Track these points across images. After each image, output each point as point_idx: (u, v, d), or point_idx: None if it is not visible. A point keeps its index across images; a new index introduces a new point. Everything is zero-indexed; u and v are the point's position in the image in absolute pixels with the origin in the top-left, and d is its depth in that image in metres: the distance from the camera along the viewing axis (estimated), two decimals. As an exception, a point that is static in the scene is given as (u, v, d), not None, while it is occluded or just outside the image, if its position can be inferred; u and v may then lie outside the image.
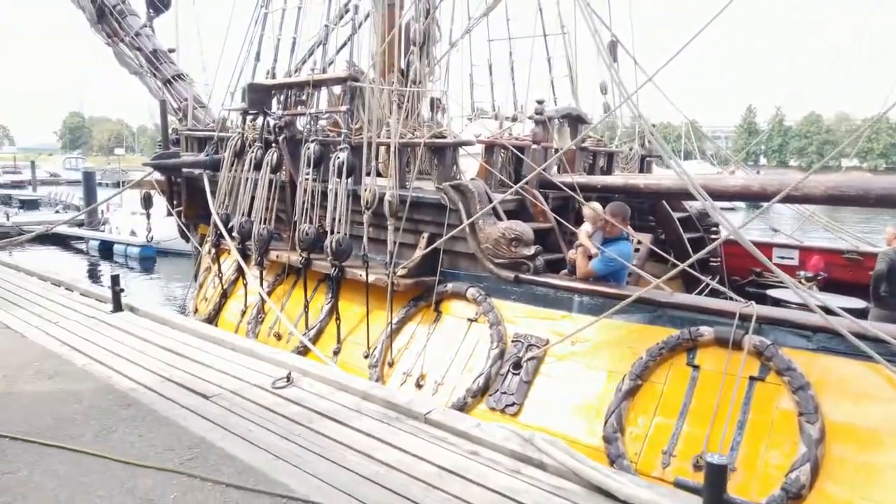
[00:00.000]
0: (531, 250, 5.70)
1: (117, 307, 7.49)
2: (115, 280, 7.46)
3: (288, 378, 5.16)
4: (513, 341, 5.53)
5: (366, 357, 6.35)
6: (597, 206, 5.76)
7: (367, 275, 6.34)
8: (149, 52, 11.31)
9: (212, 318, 8.37)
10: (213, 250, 8.53)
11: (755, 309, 4.48)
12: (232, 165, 8.01)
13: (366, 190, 6.31)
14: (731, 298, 4.87)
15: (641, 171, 9.92)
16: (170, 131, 10.18)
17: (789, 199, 5.70)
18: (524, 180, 6.01)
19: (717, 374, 4.48)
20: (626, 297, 4.98)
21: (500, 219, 6.05)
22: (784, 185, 5.71)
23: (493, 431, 4.08)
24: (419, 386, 5.79)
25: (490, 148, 6.94)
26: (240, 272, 8.36)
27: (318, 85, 7.18)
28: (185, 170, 9.32)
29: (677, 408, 4.54)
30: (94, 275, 21.90)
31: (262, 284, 7.62)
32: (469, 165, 7.03)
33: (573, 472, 3.57)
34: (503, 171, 7.32)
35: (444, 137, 6.44)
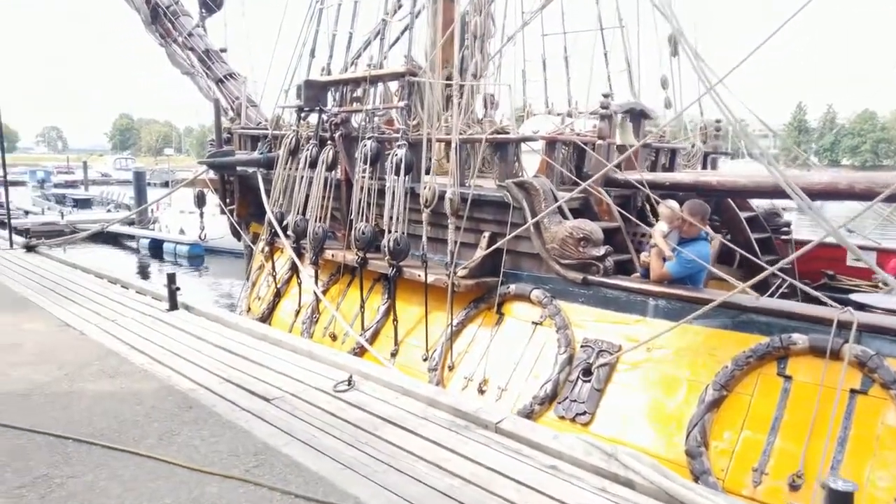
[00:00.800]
0: (601, 251, 5.42)
1: (173, 305, 7.46)
2: (171, 278, 7.43)
3: (349, 381, 5.00)
4: (582, 346, 5.26)
5: (424, 360, 6.16)
6: (674, 204, 5.44)
7: (425, 275, 6.14)
8: (201, 52, 11.37)
9: (265, 318, 8.29)
10: (267, 249, 8.46)
11: (856, 316, 4.12)
12: (286, 163, 7.92)
13: (425, 188, 6.11)
14: (825, 303, 4.50)
15: (704, 168, 9.52)
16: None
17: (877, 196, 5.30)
18: (595, 176, 5.71)
19: (813, 386, 4.14)
20: (706, 301, 4.65)
21: (565, 217, 5.78)
22: (874, 181, 5.29)
23: (572, 444, 3.82)
24: (481, 391, 5.57)
25: (552, 144, 6.68)
26: (293, 271, 8.28)
27: (374, 81, 7.02)
28: (238, 168, 9.28)
29: (768, 421, 4.20)
30: (144, 272, 22.33)
31: (316, 283, 7.50)
32: (528, 162, 6.78)
33: (665, 491, 3.29)
34: (564, 168, 7.06)
35: (507, 133, 6.20)
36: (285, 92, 8.53)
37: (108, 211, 32.64)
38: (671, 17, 5.10)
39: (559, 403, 5.09)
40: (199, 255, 22.70)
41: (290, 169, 7.91)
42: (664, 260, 5.32)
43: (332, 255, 7.36)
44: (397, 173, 6.44)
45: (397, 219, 6.40)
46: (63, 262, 10.78)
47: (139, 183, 30.26)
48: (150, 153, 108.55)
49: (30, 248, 11.98)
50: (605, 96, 6.58)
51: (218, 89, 11.06)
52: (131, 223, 25.63)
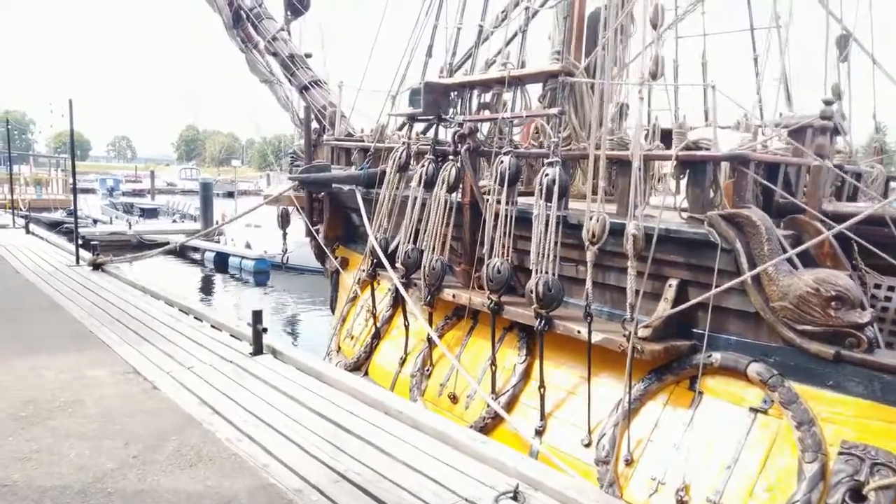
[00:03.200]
0: (864, 316, 3.86)
1: (258, 349, 6.24)
2: (256, 317, 6.18)
3: (515, 495, 3.58)
4: (841, 454, 3.70)
5: (586, 445, 4.69)
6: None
7: (589, 333, 4.69)
8: (285, 57, 10.29)
9: (361, 364, 6.99)
10: (366, 280, 7.16)
11: None
12: (394, 181, 6.61)
13: (592, 218, 4.67)
14: None
15: (885, 195, 7.84)
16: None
17: None
18: (865, 213, 4.10)
19: None
20: None
21: (794, 266, 4.24)
22: None
23: None
24: (682, 503, 4.06)
25: (745, 164, 5.17)
26: (395, 308, 6.96)
27: (514, 83, 5.64)
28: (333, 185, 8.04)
29: None
30: (208, 287, 21.60)
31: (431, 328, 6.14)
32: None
33: None
34: (751, 194, 5.55)
35: (706, 149, 4.71)
36: (392, 98, 7.27)
37: (174, 221, 32.42)
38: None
39: (816, 538, 3.55)
40: (264, 271, 21.81)
41: (399, 188, 6.61)
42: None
43: (454, 296, 5.96)
44: (548, 198, 5.03)
45: (546, 255, 4.98)
46: (131, 284, 9.77)
47: (206, 193, 29.73)
48: (213, 164, 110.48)
49: (96, 266, 11.08)
50: (828, 103, 5.02)
51: (301, 97, 9.95)
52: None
